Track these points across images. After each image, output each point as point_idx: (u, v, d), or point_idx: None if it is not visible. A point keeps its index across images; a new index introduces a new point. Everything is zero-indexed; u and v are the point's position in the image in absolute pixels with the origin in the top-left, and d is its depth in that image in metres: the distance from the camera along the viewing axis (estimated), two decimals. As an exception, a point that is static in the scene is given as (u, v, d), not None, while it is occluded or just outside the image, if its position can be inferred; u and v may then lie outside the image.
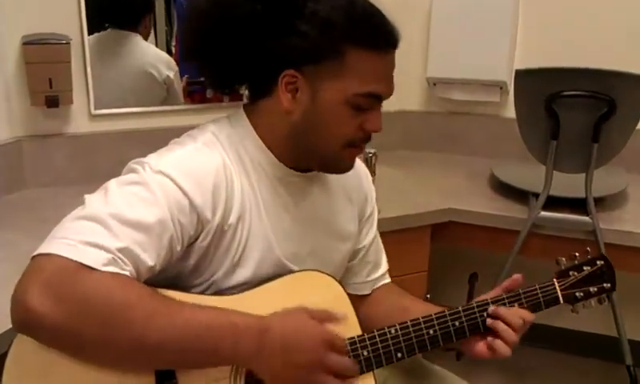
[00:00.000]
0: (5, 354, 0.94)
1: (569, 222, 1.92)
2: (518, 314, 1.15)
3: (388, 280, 1.37)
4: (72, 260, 0.87)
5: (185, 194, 0.98)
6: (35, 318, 0.86)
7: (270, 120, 1.09)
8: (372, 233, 1.33)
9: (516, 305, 1.19)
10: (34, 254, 0.90)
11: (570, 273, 1.25)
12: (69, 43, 1.96)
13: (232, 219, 1.05)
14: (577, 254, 1.27)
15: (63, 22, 2.01)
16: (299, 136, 1.07)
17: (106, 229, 0.91)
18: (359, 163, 1.30)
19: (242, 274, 1.08)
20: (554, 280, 1.24)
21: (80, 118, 2.11)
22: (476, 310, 1.17)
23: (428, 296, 2.06)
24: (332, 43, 1.00)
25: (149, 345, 0.89)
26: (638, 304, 2.40)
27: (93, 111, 2.12)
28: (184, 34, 1.14)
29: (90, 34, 2.08)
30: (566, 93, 1.76)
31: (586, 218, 1.90)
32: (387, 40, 1.04)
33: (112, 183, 0.98)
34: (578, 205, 1.92)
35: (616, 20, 2.35)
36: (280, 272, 1.12)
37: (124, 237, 0.91)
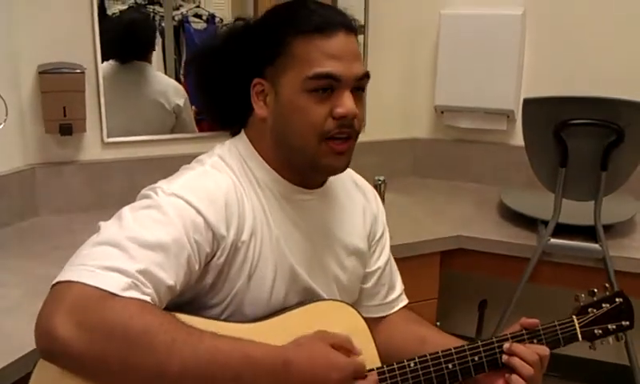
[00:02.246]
0: (23, 378, 0.94)
1: (578, 249, 1.92)
2: (534, 350, 1.15)
3: (405, 302, 1.38)
4: (93, 286, 0.88)
5: (199, 212, 1.00)
6: (60, 346, 0.86)
7: (259, 133, 1.13)
8: (385, 255, 1.34)
9: (535, 341, 1.19)
10: (54, 282, 0.91)
11: (589, 310, 1.25)
12: (83, 73, 1.99)
13: (245, 236, 1.07)
14: (595, 290, 1.27)
15: (78, 51, 2.04)
16: (280, 141, 1.10)
17: (124, 252, 0.92)
18: (366, 185, 1.33)
19: (260, 289, 1.09)
20: (573, 317, 1.24)
21: (93, 146, 2.14)
22: (495, 345, 1.17)
23: (438, 323, 2.05)
24: (278, 39, 1.07)
25: (171, 373, 0.89)
26: (649, 332, 2.38)
27: (105, 139, 2.15)
28: (194, 90, 1.24)
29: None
30: (574, 121, 1.77)
31: (595, 246, 1.90)
32: (329, 23, 1.06)
33: (126, 210, 1.00)
34: (587, 232, 1.92)
35: (623, 49, 2.37)
36: (295, 284, 1.13)
37: (142, 258, 0.92)
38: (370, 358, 1.11)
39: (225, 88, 1.16)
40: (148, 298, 0.91)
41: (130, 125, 2.23)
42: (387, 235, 1.35)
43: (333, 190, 1.22)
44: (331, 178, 1.20)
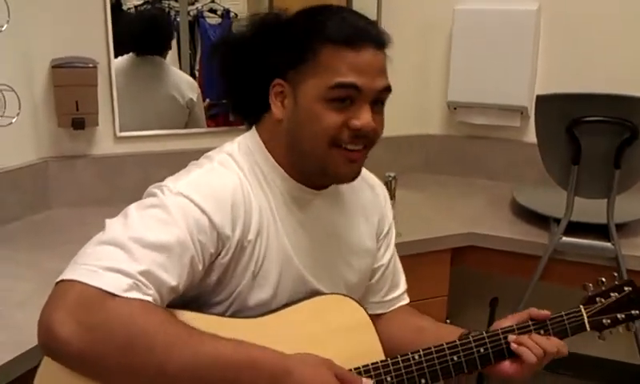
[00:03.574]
0: (34, 369, 0.96)
1: (590, 247, 1.91)
2: (540, 344, 1.13)
3: (406, 301, 1.37)
4: (94, 287, 0.89)
5: (204, 212, 1.00)
6: (60, 344, 0.87)
7: (272, 133, 1.12)
8: (389, 252, 1.34)
9: (542, 332, 1.18)
10: (58, 279, 0.92)
11: (597, 299, 1.24)
12: (96, 67, 2.00)
13: (251, 235, 1.07)
14: (603, 280, 1.26)
15: (91, 46, 2.06)
16: (294, 143, 1.09)
17: (127, 253, 0.92)
18: (376, 181, 1.32)
19: (264, 289, 1.09)
20: (581, 307, 1.23)
21: (105, 140, 2.15)
22: (501, 336, 1.16)
23: (448, 320, 2.05)
24: (305, 45, 1.05)
25: (169, 373, 0.90)
26: (662, 332, 2.36)
27: (118, 133, 2.16)
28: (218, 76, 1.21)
29: (115, 57, 2.12)
30: (587, 118, 1.76)
31: (607, 244, 1.88)
32: (360, 36, 1.04)
33: (131, 208, 1.00)
34: (599, 231, 1.91)
35: (637, 46, 2.35)
36: (300, 285, 1.13)
37: (145, 259, 0.93)
38: (373, 351, 1.11)
39: (246, 80, 1.15)
40: (150, 299, 0.92)
41: (144, 117, 2.25)
42: (393, 232, 1.35)
43: (340, 188, 1.22)
44: None
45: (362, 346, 1.07)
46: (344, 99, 1.04)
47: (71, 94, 1.98)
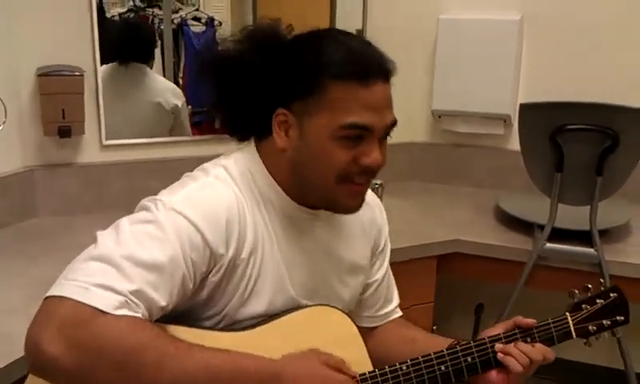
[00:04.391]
0: (22, 379, 0.95)
1: (574, 253, 1.93)
2: (525, 352, 1.14)
3: (399, 314, 1.37)
4: (84, 303, 0.88)
5: (198, 230, 0.98)
6: (49, 362, 0.86)
7: (273, 158, 1.10)
8: (384, 267, 1.34)
9: (528, 339, 1.18)
10: (46, 295, 0.90)
11: (583, 306, 1.25)
12: (82, 75, 2.00)
13: (244, 254, 1.05)
14: (589, 286, 1.26)
15: (77, 54, 2.05)
16: (298, 172, 1.08)
17: (118, 271, 0.91)
18: (373, 196, 1.31)
19: (255, 307, 1.08)
20: (567, 314, 1.24)
21: (91, 148, 2.15)
22: (488, 344, 1.17)
23: (435, 327, 2.06)
24: (313, 79, 1.03)
25: None
26: (644, 336, 2.39)
27: (104, 141, 2.15)
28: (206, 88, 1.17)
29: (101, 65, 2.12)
30: (570, 126, 1.79)
31: (590, 250, 1.91)
32: (370, 72, 1.02)
33: (124, 222, 0.99)
34: (582, 237, 1.93)
35: (619, 55, 2.39)
36: (291, 305, 1.12)
37: (136, 278, 0.92)
38: (361, 363, 1.11)
39: (244, 103, 1.12)
40: (139, 316, 0.91)
41: (129, 125, 2.25)
42: (388, 248, 1.35)
43: None
44: None
45: (350, 357, 1.06)
46: (355, 137, 1.03)
47: (57, 103, 1.97)
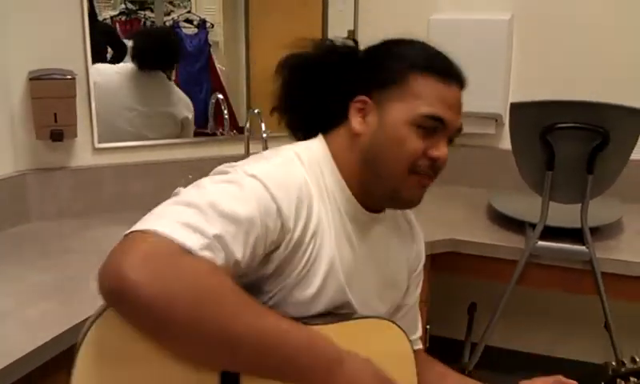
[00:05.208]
0: (17, 382, 0.95)
1: (565, 251, 1.95)
2: None
3: (420, 346, 1.37)
4: (170, 238, 0.88)
5: (274, 199, 1.00)
6: (130, 288, 0.84)
7: (343, 146, 1.13)
8: (416, 293, 1.34)
9: None
10: (129, 231, 0.90)
11: (618, 381, 1.24)
12: (74, 78, 2.00)
13: (308, 235, 1.06)
14: (624, 361, 1.26)
15: (68, 57, 2.05)
16: (368, 161, 1.11)
17: (203, 215, 0.92)
18: (414, 219, 1.34)
19: (307, 290, 1.08)
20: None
21: (84, 152, 2.14)
22: None
23: (428, 327, 2.07)
24: (396, 69, 1.10)
25: (232, 336, 0.90)
26: (635, 333, 2.41)
27: (96, 145, 2.15)
28: (279, 91, 1.21)
29: (93, 63, 2.13)
30: (560, 125, 1.80)
31: (582, 248, 1.92)
32: (451, 72, 1.11)
33: (205, 180, 1.01)
34: (574, 235, 1.94)
35: (609, 53, 2.41)
36: (340, 296, 1.12)
37: (218, 225, 0.93)
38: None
39: (322, 99, 1.17)
40: (221, 262, 0.92)
41: (137, 130, 2.27)
42: (422, 277, 1.36)
43: (387, 217, 1.23)
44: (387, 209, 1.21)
45: (399, 376, 1.06)
46: (430, 128, 1.08)
47: (49, 106, 1.97)
